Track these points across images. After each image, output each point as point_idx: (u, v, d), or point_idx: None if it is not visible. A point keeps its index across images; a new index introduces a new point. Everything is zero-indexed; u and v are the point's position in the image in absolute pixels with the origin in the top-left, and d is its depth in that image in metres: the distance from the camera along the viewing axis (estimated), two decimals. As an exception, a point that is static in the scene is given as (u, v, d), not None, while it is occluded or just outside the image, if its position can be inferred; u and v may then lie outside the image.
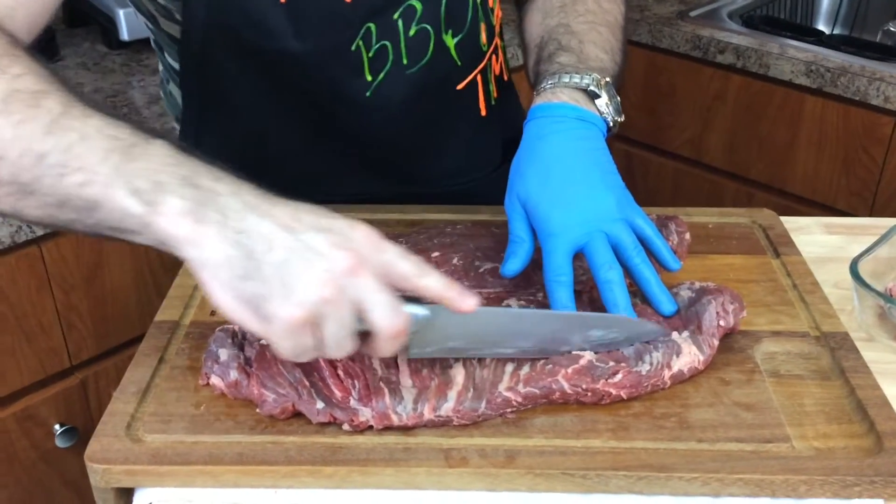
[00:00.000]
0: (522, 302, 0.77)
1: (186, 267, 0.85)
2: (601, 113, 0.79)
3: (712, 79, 1.72)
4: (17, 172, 0.58)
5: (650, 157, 1.89)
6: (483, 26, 0.92)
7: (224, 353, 0.70)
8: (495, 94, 0.98)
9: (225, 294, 0.55)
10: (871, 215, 1.59)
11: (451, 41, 0.88)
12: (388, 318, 0.56)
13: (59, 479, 1.25)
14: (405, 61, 0.86)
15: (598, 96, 0.79)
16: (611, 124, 0.80)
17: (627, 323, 0.70)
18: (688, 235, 0.87)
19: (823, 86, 1.56)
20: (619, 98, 0.80)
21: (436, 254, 0.82)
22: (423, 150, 0.95)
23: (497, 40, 0.97)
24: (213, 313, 0.79)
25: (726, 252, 0.88)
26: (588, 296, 0.77)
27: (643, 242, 0.74)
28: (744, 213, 0.95)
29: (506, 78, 1.01)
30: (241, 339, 0.72)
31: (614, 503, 0.63)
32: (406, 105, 0.89)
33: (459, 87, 0.92)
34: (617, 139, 1.94)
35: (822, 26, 1.94)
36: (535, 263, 0.76)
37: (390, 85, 0.87)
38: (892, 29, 1.76)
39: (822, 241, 0.95)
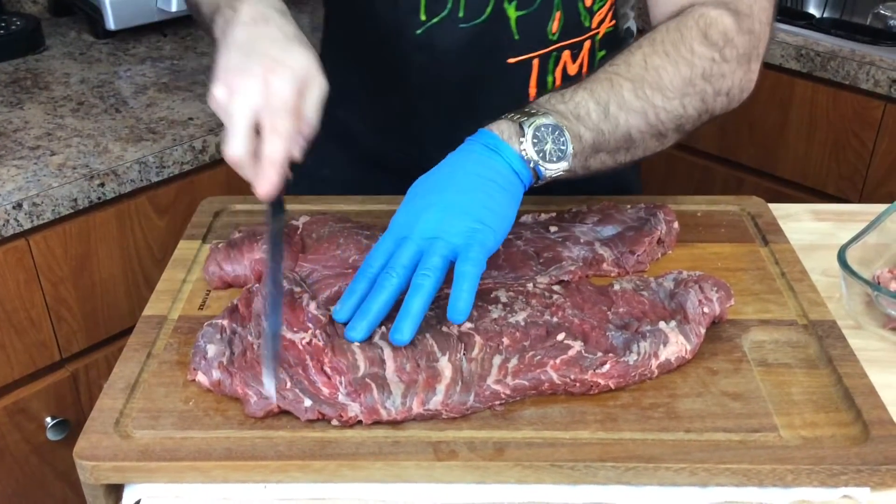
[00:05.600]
0: (512, 294, 0.77)
1: (174, 260, 0.86)
2: (520, 152, 0.73)
3: (702, 63, 1.72)
4: None
5: (641, 142, 1.89)
6: (558, 15, 0.90)
7: (212, 349, 0.70)
8: (556, 88, 0.94)
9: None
10: (860, 199, 1.59)
11: (513, 12, 0.89)
12: (225, 143, 0.68)
13: (52, 472, 1.25)
14: (461, 14, 0.89)
15: (523, 137, 0.73)
16: (531, 166, 0.73)
17: None
18: (676, 224, 0.87)
19: (813, 70, 1.56)
20: (566, 148, 0.74)
21: (424, 245, 0.82)
22: (461, 110, 0.95)
23: (587, 43, 0.94)
24: (201, 307, 0.79)
25: (714, 240, 0.88)
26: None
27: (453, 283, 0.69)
28: (732, 200, 0.95)
29: None
30: (229, 335, 0.72)
31: (603, 494, 0.63)
32: (452, 56, 0.91)
33: (511, 60, 0.92)
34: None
35: (812, 9, 1.93)
36: (519, 256, 0.76)
37: (442, 31, 0.89)
38: (882, 12, 1.76)
39: (811, 227, 0.95)
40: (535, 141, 0.73)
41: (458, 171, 0.73)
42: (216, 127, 1.26)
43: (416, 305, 0.68)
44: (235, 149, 0.67)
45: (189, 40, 1.58)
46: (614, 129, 0.77)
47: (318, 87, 0.70)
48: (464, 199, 0.71)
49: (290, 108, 0.68)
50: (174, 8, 1.52)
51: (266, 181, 0.68)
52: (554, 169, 0.74)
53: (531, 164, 0.74)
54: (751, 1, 0.83)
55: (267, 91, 0.67)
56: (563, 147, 0.74)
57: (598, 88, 0.77)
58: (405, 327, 0.68)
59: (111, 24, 1.50)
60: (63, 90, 1.37)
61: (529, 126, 0.73)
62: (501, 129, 0.74)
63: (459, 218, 0.70)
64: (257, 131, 0.68)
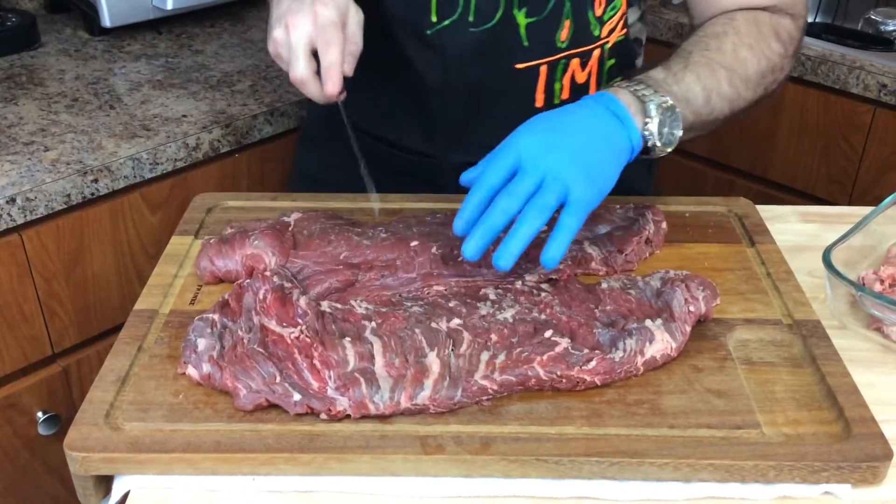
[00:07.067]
0: (500, 291, 0.78)
1: (166, 255, 0.86)
2: (643, 130, 0.76)
3: (695, 67, 1.73)
4: None
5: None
6: (567, 23, 0.92)
7: (202, 343, 0.70)
8: (564, 96, 0.97)
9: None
10: (850, 203, 1.60)
11: (522, 19, 0.91)
12: (292, 68, 0.79)
13: (43, 467, 1.25)
14: (471, 18, 0.91)
15: (650, 116, 0.76)
16: (648, 144, 0.77)
17: None
18: (664, 224, 0.88)
19: (804, 74, 1.57)
20: (678, 132, 0.77)
21: (415, 242, 0.82)
22: (469, 112, 0.97)
23: (597, 51, 0.95)
24: (192, 302, 0.80)
25: (702, 241, 0.89)
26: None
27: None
28: (720, 201, 0.96)
29: (592, 92, 0.98)
30: (220, 329, 0.72)
31: (587, 488, 0.64)
32: (462, 58, 0.93)
33: (519, 66, 0.93)
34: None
35: (804, 14, 1.94)
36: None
37: (452, 34, 0.92)
38: (873, 17, 1.77)
39: (798, 229, 0.96)
40: (660, 123, 0.76)
41: (585, 125, 0.75)
42: (209, 124, 1.26)
43: (522, 237, 0.70)
44: (300, 70, 0.79)
45: (184, 38, 1.58)
46: (709, 115, 0.81)
47: (356, 13, 0.81)
48: (589, 153, 0.73)
49: (337, 25, 0.78)
50: (170, 6, 1.52)
51: (330, 81, 0.78)
52: (662, 153, 0.78)
53: (649, 143, 0.76)
54: (800, 6, 0.89)
55: (316, 18, 0.78)
56: (675, 131, 0.77)
57: (703, 73, 0.81)
58: (509, 254, 0.70)
59: (107, 21, 1.50)
60: (58, 86, 1.37)
61: (656, 106, 0.76)
62: (627, 101, 0.76)
63: (582, 169, 0.71)
64: (316, 58, 0.79)
